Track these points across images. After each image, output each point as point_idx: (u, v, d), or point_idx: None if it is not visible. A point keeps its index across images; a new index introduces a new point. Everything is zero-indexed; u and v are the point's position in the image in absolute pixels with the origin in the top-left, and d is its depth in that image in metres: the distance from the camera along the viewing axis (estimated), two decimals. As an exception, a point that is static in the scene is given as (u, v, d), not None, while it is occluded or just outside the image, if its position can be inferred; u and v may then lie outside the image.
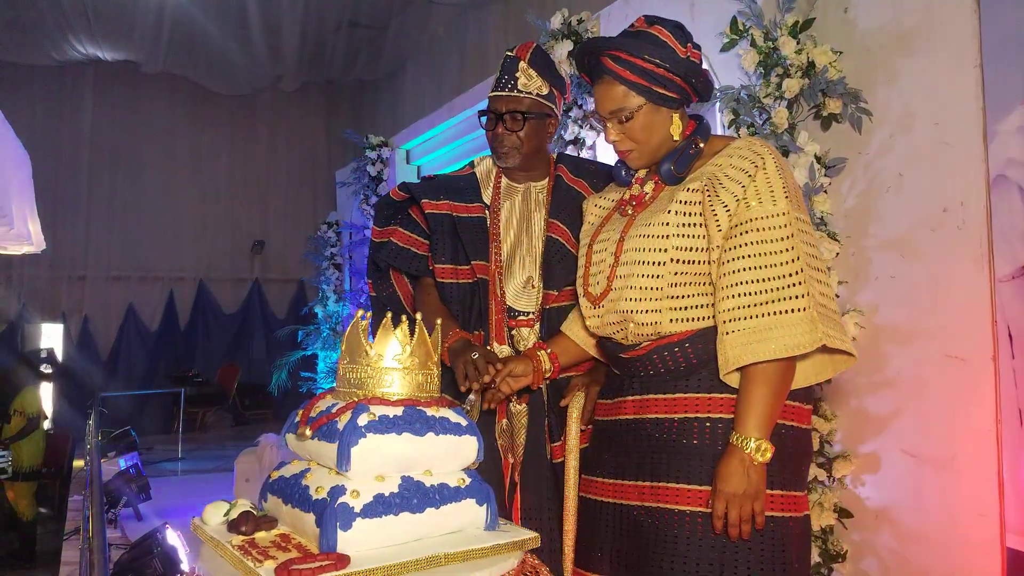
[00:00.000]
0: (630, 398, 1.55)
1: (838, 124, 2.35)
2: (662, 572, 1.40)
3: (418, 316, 1.35)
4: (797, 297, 1.34)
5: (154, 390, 8.89)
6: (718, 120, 2.65)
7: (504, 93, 1.85)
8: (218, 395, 9.45)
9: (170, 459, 7.34)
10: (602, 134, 3.17)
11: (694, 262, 1.45)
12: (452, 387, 1.72)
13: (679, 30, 1.48)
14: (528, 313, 1.88)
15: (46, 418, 6.25)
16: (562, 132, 3.33)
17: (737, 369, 1.38)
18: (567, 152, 3.27)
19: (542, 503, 1.81)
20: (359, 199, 5.91)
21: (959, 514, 2.04)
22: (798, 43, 2.36)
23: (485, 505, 1.31)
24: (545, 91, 1.86)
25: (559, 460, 1.78)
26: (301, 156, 10.21)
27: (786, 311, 1.34)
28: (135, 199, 9.34)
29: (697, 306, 1.45)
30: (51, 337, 8.81)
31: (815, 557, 2.24)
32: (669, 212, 1.47)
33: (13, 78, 8.47)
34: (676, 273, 1.45)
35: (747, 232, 1.38)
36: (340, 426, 1.22)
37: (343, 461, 1.18)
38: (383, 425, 1.22)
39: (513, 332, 1.88)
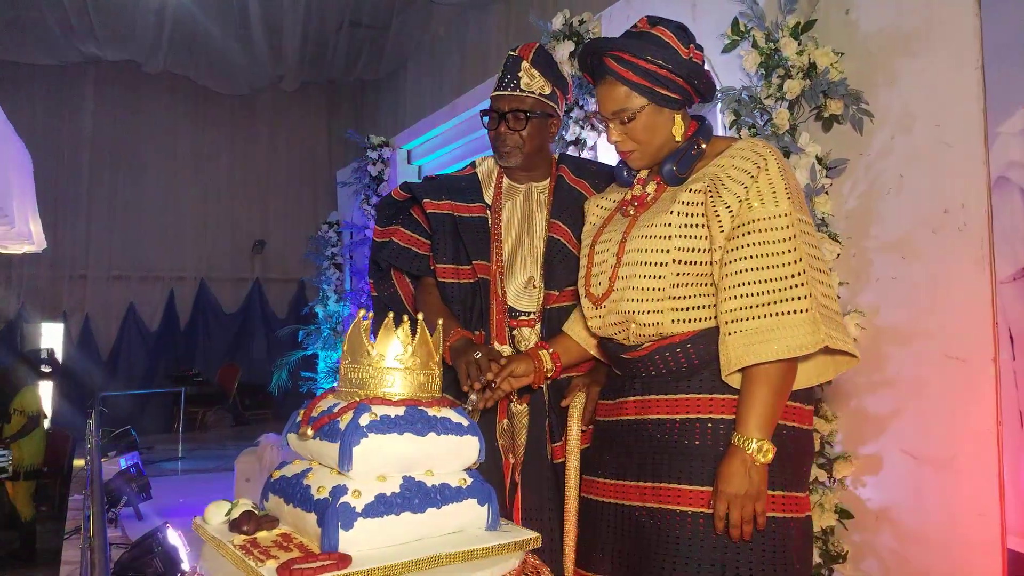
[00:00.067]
0: (631, 399, 1.55)
1: (839, 125, 2.35)
2: (663, 572, 1.40)
3: (419, 316, 1.35)
4: (799, 298, 1.34)
5: (154, 390, 8.89)
6: (719, 121, 2.65)
7: (507, 92, 1.85)
8: (218, 395, 9.45)
9: (170, 459, 7.35)
10: (603, 135, 3.17)
11: (696, 263, 1.45)
12: (453, 387, 1.72)
13: (682, 31, 1.49)
14: (529, 313, 1.88)
15: (46, 417, 6.25)
16: (563, 133, 3.33)
17: (739, 370, 1.38)
18: (568, 153, 3.27)
19: (543, 503, 1.81)
20: (360, 199, 5.91)
21: (959, 515, 2.04)
22: (799, 44, 2.36)
23: (486, 505, 1.31)
24: (547, 91, 1.86)
25: (560, 460, 1.78)
26: (302, 156, 10.21)
27: (788, 312, 1.34)
28: (136, 199, 9.34)
29: (699, 307, 1.45)
30: (51, 336, 8.82)
31: (816, 558, 2.24)
32: (671, 213, 1.47)
33: (14, 77, 8.47)
34: (678, 274, 1.46)
35: (749, 233, 1.38)
36: (342, 426, 1.22)
37: (345, 461, 1.19)
38: (385, 425, 1.22)
39: (514, 332, 1.88)
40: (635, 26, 1.52)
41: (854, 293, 2.31)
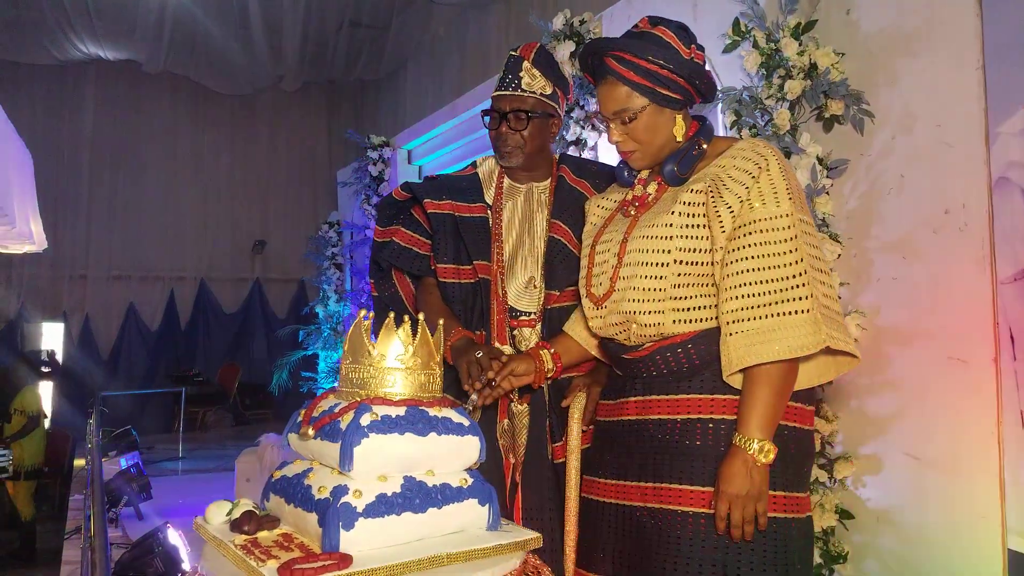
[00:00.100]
0: (633, 399, 1.55)
1: (840, 125, 2.35)
2: (664, 573, 1.40)
3: (420, 316, 1.35)
4: (801, 299, 1.34)
5: (155, 389, 8.89)
6: (720, 121, 2.65)
7: (508, 92, 1.85)
8: (219, 395, 9.45)
9: (171, 458, 7.34)
10: (604, 135, 3.17)
11: (697, 263, 1.45)
12: (454, 387, 1.72)
13: (683, 31, 1.49)
14: (530, 313, 1.88)
15: (46, 417, 6.26)
16: (564, 133, 3.33)
17: (740, 370, 1.38)
18: (569, 153, 3.27)
19: (543, 503, 1.81)
20: (360, 199, 5.92)
21: (960, 516, 2.04)
22: (800, 45, 2.36)
23: (487, 505, 1.31)
24: (549, 91, 1.86)
25: (560, 460, 1.78)
26: (302, 156, 10.21)
27: (790, 312, 1.34)
28: (136, 198, 9.34)
29: (700, 307, 1.45)
30: (52, 336, 8.83)
31: (816, 558, 2.24)
32: (672, 213, 1.47)
33: (14, 77, 8.47)
34: (679, 274, 1.46)
35: (751, 233, 1.38)
36: (343, 426, 1.23)
37: (346, 461, 1.19)
38: (386, 425, 1.22)
39: (515, 332, 1.88)
40: (636, 26, 1.52)
41: (855, 293, 2.31)
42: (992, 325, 1.99)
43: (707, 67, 1.53)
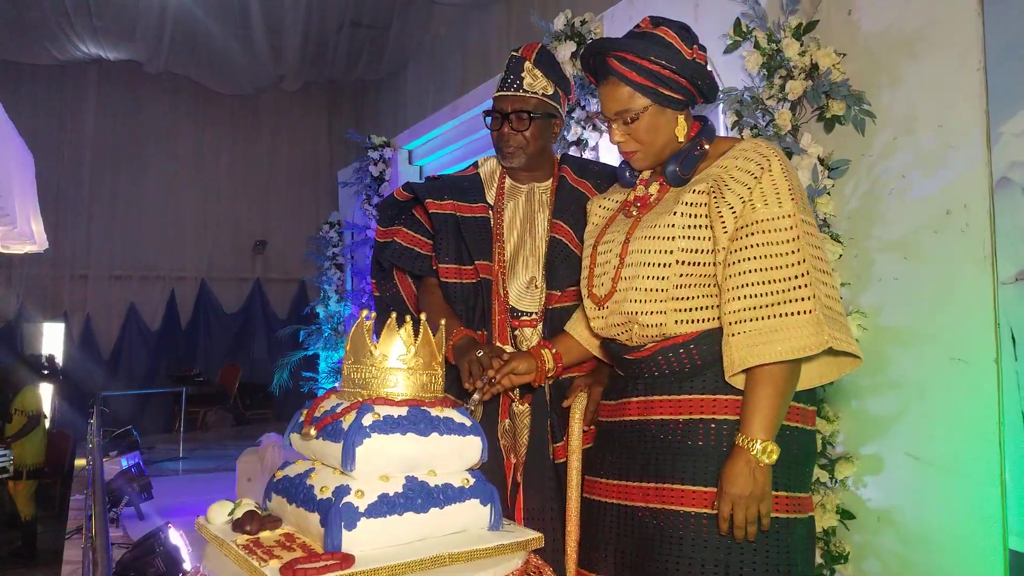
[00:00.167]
0: (634, 399, 1.55)
1: (841, 126, 2.35)
2: (666, 573, 1.40)
3: (422, 316, 1.35)
4: (803, 299, 1.34)
5: (155, 389, 8.89)
6: (721, 121, 2.65)
7: (510, 93, 1.85)
8: (219, 395, 9.46)
9: (171, 458, 7.35)
10: (605, 135, 3.17)
11: (699, 264, 1.45)
12: (455, 387, 1.72)
13: (685, 31, 1.49)
14: (531, 313, 1.88)
15: (45, 417, 6.26)
16: (565, 133, 3.33)
17: (743, 371, 1.38)
18: (570, 153, 3.27)
19: (545, 503, 1.81)
20: (361, 199, 5.92)
21: (961, 516, 2.04)
22: (801, 45, 2.36)
23: (489, 505, 1.31)
24: (550, 91, 1.86)
25: (562, 460, 1.78)
26: (303, 156, 10.22)
27: (792, 313, 1.34)
28: (137, 198, 9.35)
29: (702, 307, 1.45)
30: (53, 336, 8.83)
31: (817, 558, 2.24)
32: (675, 214, 1.47)
33: (15, 77, 8.48)
34: (681, 275, 1.46)
35: (753, 234, 1.38)
36: (345, 426, 1.23)
37: (348, 461, 1.19)
38: (388, 425, 1.23)
39: (516, 332, 1.88)
40: (638, 26, 1.52)
41: (856, 294, 2.31)
42: (993, 325, 1.99)
43: (708, 67, 1.53)
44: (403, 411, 1.26)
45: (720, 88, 2.43)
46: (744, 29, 2.52)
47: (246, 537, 1.24)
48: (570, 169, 1.96)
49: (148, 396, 8.93)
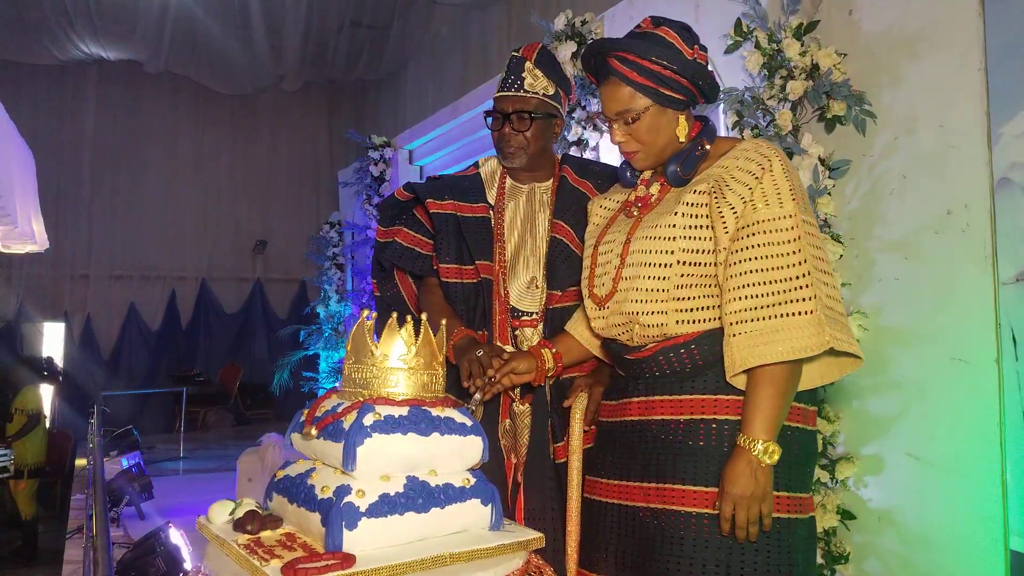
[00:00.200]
0: (635, 399, 1.55)
1: (842, 126, 2.35)
2: (667, 573, 1.40)
3: (423, 316, 1.35)
4: (804, 300, 1.34)
5: (156, 389, 8.90)
6: (722, 122, 2.65)
7: (511, 93, 1.85)
8: (220, 395, 9.46)
9: (172, 458, 7.35)
10: (605, 135, 3.17)
11: (700, 264, 1.45)
12: (455, 387, 1.73)
13: (686, 31, 1.49)
14: (532, 313, 1.88)
15: (45, 417, 6.27)
16: (565, 133, 3.33)
17: (744, 371, 1.38)
18: (570, 153, 3.27)
19: (545, 503, 1.81)
20: (361, 199, 5.92)
21: (962, 516, 2.04)
22: (802, 45, 2.36)
23: (490, 505, 1.31)
24: (551, 91, 1.86)
25: (562, 460, 1.78)
26: (303, 156, 10.22)
27: (793, 313, 1.34)
28: (137, 198, 9.35)
29: (703, 307, 1.45)
30: (53, 336, 8.83)
31: (818, 559, 2.24)
32: (676, 214, 1.47)
33: (16, 77, 8.48)
34: (682, 275, 1.46)
35: (754, 234, 1.38)
36: (346, 426, 1.23)
37: (349, 461, 1.19)
38: (388, 425, 1.23)
39: (517, 332, 1.88)
40: (639, 26, 1.52)
41: (857, 294, 2.31)
42: (994, 326, 1.99)
43: (709, 68, 1.53)
44: (404, 411, 1.26)
45: (721, 88, 2.43)
46: (745, 29, 2.53)
47: (247, 537, 1.24)
48: (571, 169, 1.96)
49: (148, 396, 8.93)
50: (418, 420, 1.26)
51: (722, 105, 2.57)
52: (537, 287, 1.89)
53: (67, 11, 6.72)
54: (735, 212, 1.40)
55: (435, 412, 1.30)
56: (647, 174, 1.61)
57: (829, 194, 2.33)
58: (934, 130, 2.14)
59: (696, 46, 1.49)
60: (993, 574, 1.96)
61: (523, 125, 1.84)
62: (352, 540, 1.14)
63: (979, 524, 1.99)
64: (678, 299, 1.46)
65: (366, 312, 1.37)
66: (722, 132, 2.56)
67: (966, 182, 2.06)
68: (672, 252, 1.46)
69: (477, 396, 1.67)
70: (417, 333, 1.32)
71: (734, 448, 1.38)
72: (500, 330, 1.87)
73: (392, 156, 5.94)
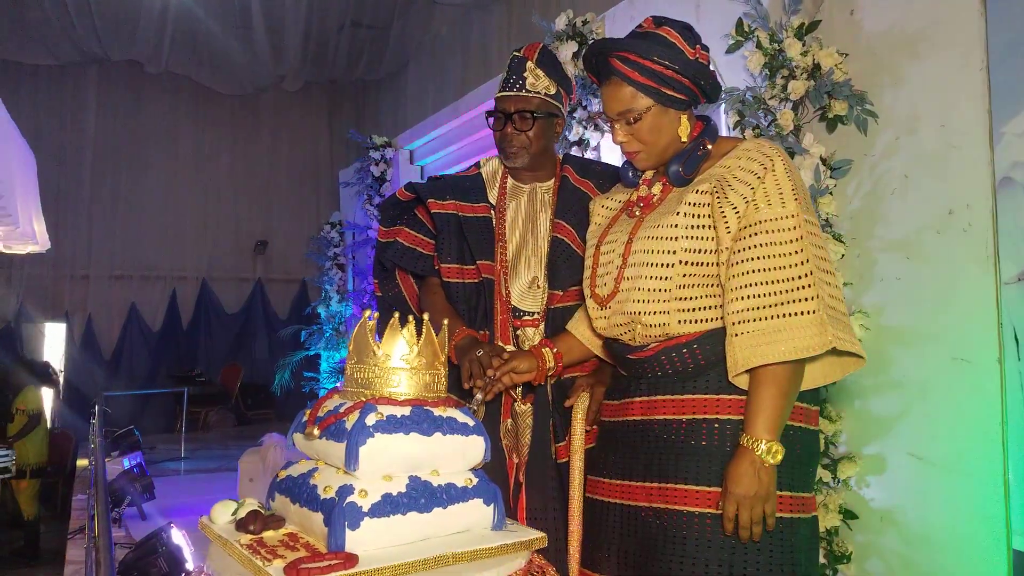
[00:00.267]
0: (637, 399, 1.55)
1: (843, 126, 2.35)
2: (670, 573, 1.40)
3: (425, 316, 1.35)
4: (807, 299, 1.34)
5: (157, 390, 8.89)
6: (723, 121, 2.65)
7: (512, 93, 1.85)
8: (221, 395, 9.45)
9: (173, 459, 7.35)
10: (606, 135, 3.17)
11: (703, 264, 1.45)
12: (457, 387, 1.72)
13: (687, 31, 1.49)
14: (533, 313, 1.88)
15: (45, 418, 6.27)
16: (566, 133, 3.33)
17: (746, 371, 1.38)
18: (571, 153, 3.27)
19: (547, 503, 1.81)
20: (362, 199, 5.92)
21: (964, 516, 2.04)
22: (804, 45, 2.36)
23: (492, 505, 1.31)
24: (553, 91, 1.86)
25: (564, 460, 1.78)
26: (303, 156, 10.21)
27: (795, 313, 1.34)
28: (138, 198, 9.35)
29: (705, 307, 1.45)
30: (54, 337, 8.83)
31: (820, 558, 2.24)
32: (678, 214, 1.46)
33: (16, 78, 8.48)
34: (684, 275, 1.45)
35: (756, 234, 1.38)
36: (348, 426, 1.23)
37: (351, 460, 1.19)
38: (391, 425, 1.23)
39: (518, 332, 1.88)
40: (640, 26, 1.52)
41: (858, 294, 2.31)
42: (996, 325, 1.99)
43: (711, 67, 1.53)
44: (406, 411, 1.26)
45: (722, 88, 2.43)
46: (746, 29, 2.53)
47: (250, 537, 1.24)
48: (572, 169, 1.96)
49: (149, 396, 8.93)
50: (420, 420, 1.26)
51: (724, 105, 2.57)
52: (538, 287, 1.89)
53: (68, 11, 6.72)
54: (737, 212, 1.40)
55: (437, 412, 1.30)
56: (649, 174, 1.61)
57: (831, 194, 2.33)
58: (936, 129, 2.14)
59: (698, 46, 1.48)
60: (995, 574, 1.96)
61: (525, 125, 1.84)
62: (355, 540, 1.14)
63: (981, 524, 1.99)
64: (680, 299, 1.46)
65: (368, 312, 1.37)
66: (724, 132, 2.56)
67: (968, 181, 2.06)
68: (674, 252, 1.45)
69: (479, 396, 1.67)
70: (419, 333, 1.32)
71: (737, 448, 1.38)
72: (501, 330, 1.87)
73: (393, 156, 5.94)
